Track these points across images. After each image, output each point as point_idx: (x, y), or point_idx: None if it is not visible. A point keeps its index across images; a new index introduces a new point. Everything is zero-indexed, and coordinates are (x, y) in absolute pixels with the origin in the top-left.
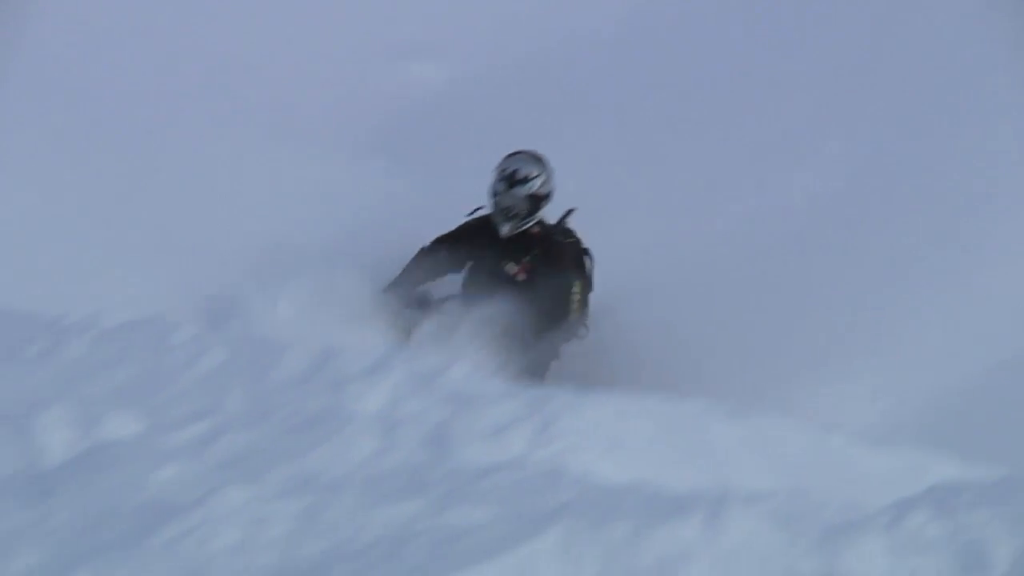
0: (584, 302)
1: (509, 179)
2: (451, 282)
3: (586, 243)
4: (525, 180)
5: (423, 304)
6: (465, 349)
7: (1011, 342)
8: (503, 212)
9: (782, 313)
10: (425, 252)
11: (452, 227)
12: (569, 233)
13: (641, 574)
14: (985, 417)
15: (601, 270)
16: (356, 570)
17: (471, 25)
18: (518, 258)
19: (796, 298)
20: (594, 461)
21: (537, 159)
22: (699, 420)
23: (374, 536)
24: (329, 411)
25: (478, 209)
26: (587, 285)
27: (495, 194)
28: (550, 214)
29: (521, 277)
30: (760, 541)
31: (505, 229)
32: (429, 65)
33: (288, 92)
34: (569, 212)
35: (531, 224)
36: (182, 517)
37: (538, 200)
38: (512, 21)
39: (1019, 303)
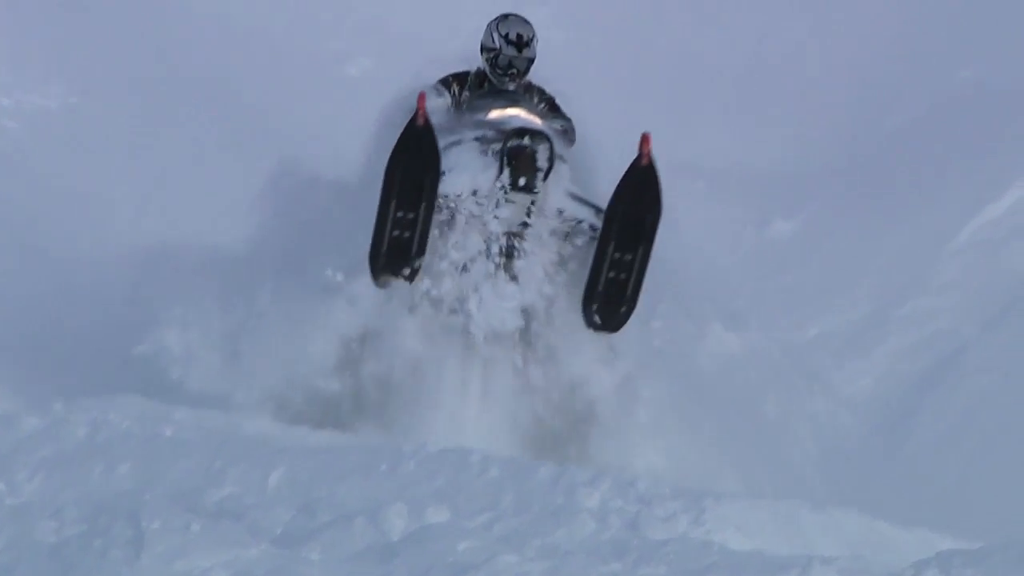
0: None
1: (518, 43)
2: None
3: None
4: (530, 42)
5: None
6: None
7: None
8: (506, 70)
9: None
10: (434, 90)
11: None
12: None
13: None
14: None
15: None
16: None
17: None
18: (523, 102)
19: None
20: (729, 536)
21: (528, 21)
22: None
23: None
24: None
25: (459, 73)
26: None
27: (504, 56)
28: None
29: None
30: None
31: (510, 87)
32: None
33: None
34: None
35: (525, 79)
36: (473, 571)
37: (534, 59)
38: None
39: None
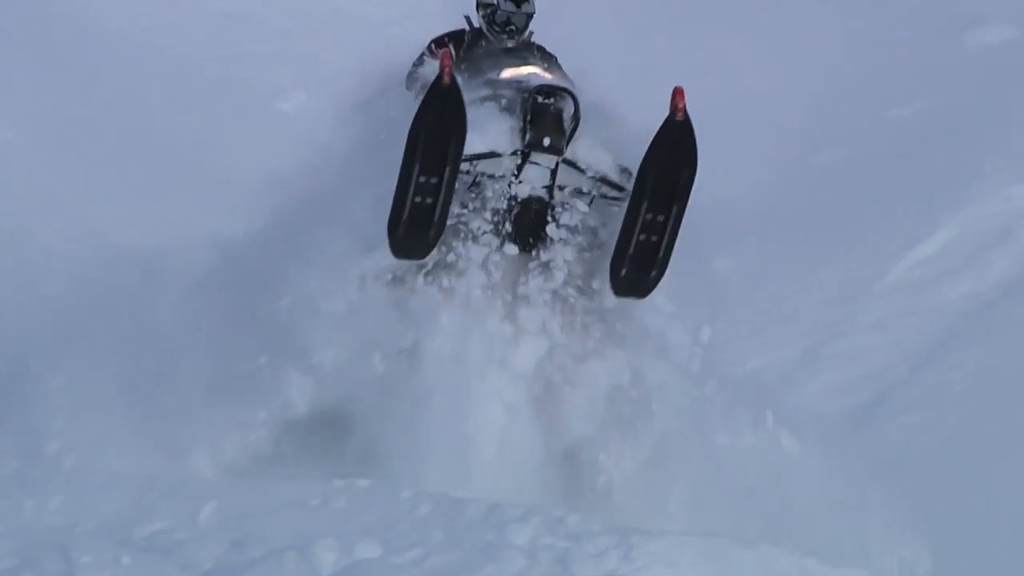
0: None
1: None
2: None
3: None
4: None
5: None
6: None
7: None
8: (504, 27)
9: None
10: (431, 52)
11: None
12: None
13: None
14: None
15: None
16: None
17: None
18: (533, 60)
19: None
20: (659, 572)
21: None
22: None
23: None
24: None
25: (453, 32)
26: None
27: (503, 12)
28: None
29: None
30: None
31: (511, 44)
32: None
33: None
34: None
35: (524, 37)
36: None
37: (533, 14)
38: None
39: None
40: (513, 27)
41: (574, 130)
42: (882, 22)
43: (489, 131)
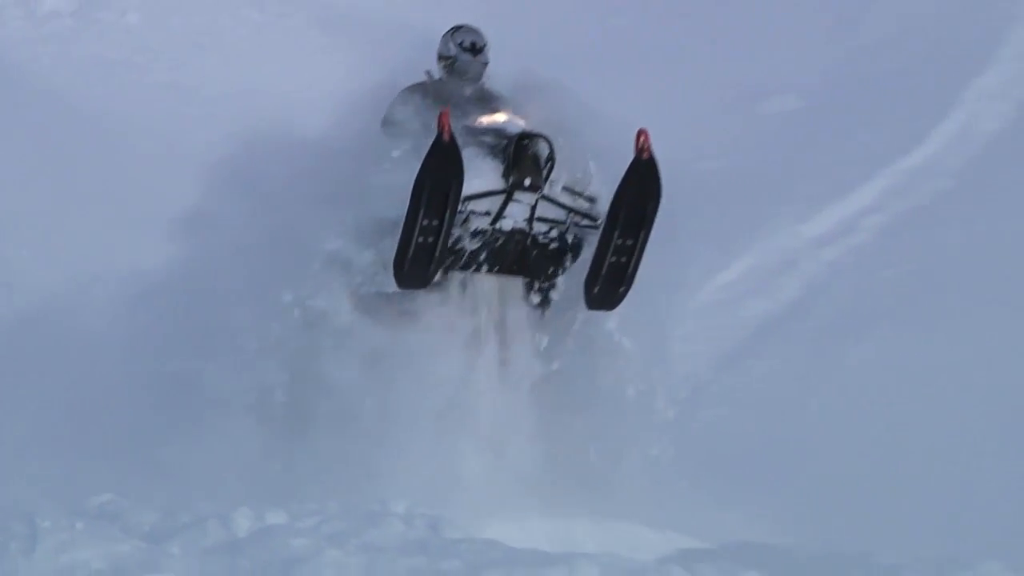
0: None
1: (473, 50)
2: None
3: None
4: (483, 49)
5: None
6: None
7: None
8: (463, 76)
9: None
10: (402, 100)
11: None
12: None
13: None
14: None
15: None
16: None
17: None
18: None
19: None
20: (511, 536)
21: (479, 30)
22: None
23: None
24: (379, 511)
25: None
26: None
27: (462, 63)
28: None
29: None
30: None
31: (468, 91)
32: None
33: None
34: None
35: (480, 83)
36: (304, 564)
37: (488, 64)
38: None
39: None
40: (470, 75)
41: (550, 170)
42: (687, 93)
43: (477, 173)
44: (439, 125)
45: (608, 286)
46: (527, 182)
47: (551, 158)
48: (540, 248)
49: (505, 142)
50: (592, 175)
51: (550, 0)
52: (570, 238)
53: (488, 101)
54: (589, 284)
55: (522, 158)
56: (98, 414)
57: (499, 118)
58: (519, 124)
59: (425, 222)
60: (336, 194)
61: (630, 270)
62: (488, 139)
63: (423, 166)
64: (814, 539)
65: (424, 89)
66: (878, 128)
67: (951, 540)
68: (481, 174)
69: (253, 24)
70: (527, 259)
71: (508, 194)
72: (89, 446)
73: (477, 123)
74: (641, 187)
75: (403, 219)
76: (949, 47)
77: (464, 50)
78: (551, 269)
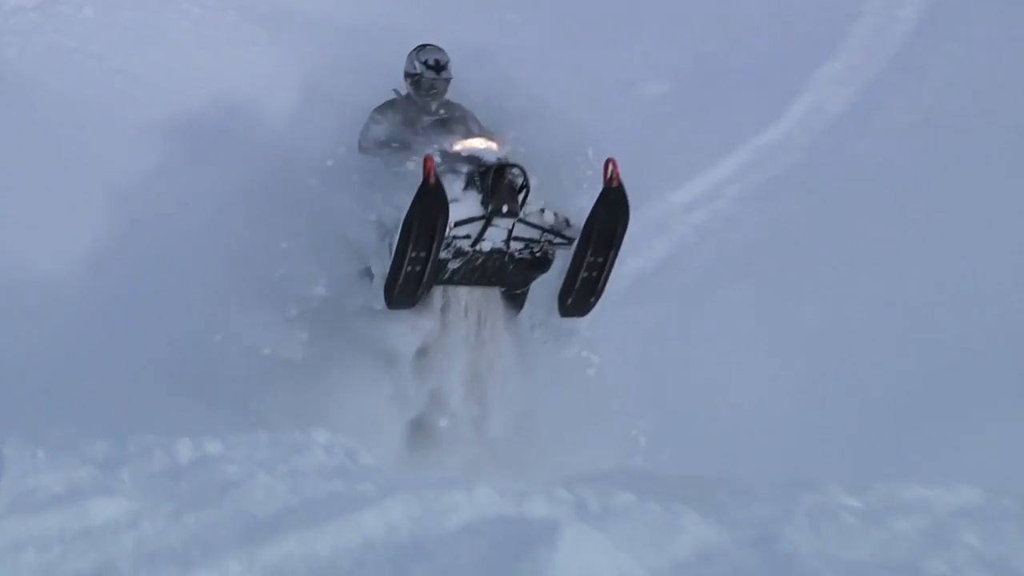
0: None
1: (436, 67)
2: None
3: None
4: (447, 66)
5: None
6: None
7: None
8: (428, 91)
9: None
10: (375, 120)
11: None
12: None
13: None
14: None
15: None
16: None
17: None
18: (449, 123)
19: None
20: None
21: (442, 48)
22: None
23: None
24: (304, 441)
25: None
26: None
27: (427, 79)
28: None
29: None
30: None
31: (433, 106)
32: None
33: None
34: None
35: (444, 97)
36: (239, 487)
37: (451, 80)
38: None
39: None
40: (435, 91)
41: (526, 196)
42: (572, 79)
43: (457, 200)
44: (424, 170)
45: (580, 297)
46: (505, 209)
47: (525, 185)
48: (516, 263)
49: (483, 170)
50: (562, 196)
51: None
52: (542, 253)
53: (461, 124)
54: (563, 295)
55: (499, 188)
56: (57, 357)
57: (475, 144)
58: (494, 150)
59: (413, 254)
60: (262, 161)
61: (601, 283)
62: (466, 168)
63: (412, 208)
64: (680, 464)
65: (394, 106)
66: (739, 109)
67: (798, 464)
68: (461, 201)
69: (193, 17)
70: (503, 272)
71: (487, 220)
72: (48, 383)
73: (454, 149)
74: (611, 211)
75: (393, 250)
76: (801, 38)
77: (428, 68)
78: (525, 279)
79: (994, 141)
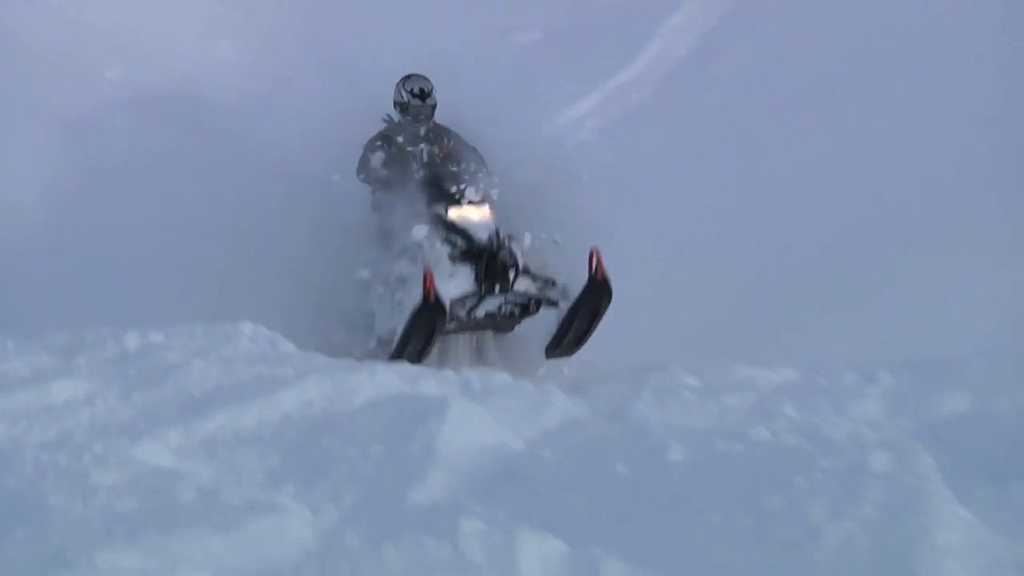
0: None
1: (422, 95)
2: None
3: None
4: (431, 93)
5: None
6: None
7: None
8: (416, 117)
9: None
10: (371, 149)
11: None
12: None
13: None
14: None
15: None
16: None
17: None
18: (436, 143)
19: None
20: None
21: (426, 77)
22: None
23: None
24: (232, 332)
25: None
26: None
27: (414, 107)
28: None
29: (442, 155)
30: None
31: (421, 131)
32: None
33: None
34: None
35: (431, 122)
36: (177, 370)
37: (435, 106)
38: None
39: None
40: (423, 116)
41: (516, 273)
42: (456, 28)
43: (453, 274)
44: (424, 288)
45: (567, 349)
46: (497, 288)
47: (515, 264)
48: (506, 316)
49: (476, 250)
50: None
51: None
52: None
53: (442, 138)
54: (552, 347)
55: (493, 269)
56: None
57: (469, 215)
58: (486, 222)
59: (412, 347)
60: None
61: (585, 340)
62: (460, 242)
63: (412, 320)
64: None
65: (386, 137)
66: (598, 54)
67: (649, 350)
68: (457, 275)
69: None
70: (495, 323)
71: (481, 296)
72: (10, 282)
73: (449, 217)
74: (597, 297)
75: (396, 340)
76: None
77: (414, 96)
78: (515, 324)
79: (813, 85)
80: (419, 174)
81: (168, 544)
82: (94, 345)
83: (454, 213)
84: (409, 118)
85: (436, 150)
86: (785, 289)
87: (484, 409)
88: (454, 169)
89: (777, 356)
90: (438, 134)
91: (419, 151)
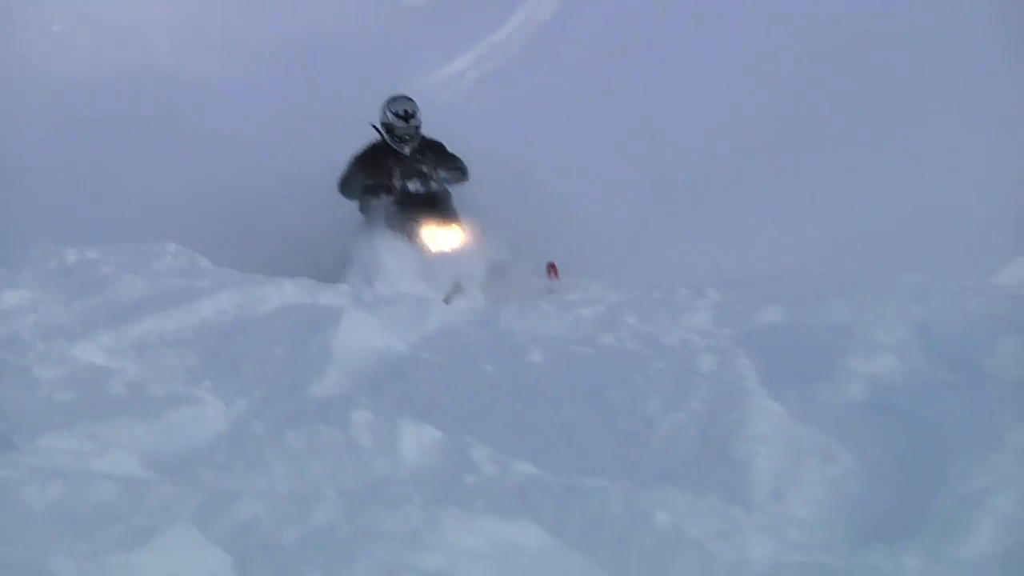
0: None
1: (406, 116)
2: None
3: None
4: (415, 115)
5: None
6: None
7: None
8: (401, 137)
9: None
10: (356, 166)
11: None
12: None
13: None
14: None
15: None
16: None
17: None
18: (420, 163)
19: None
20: None
21: (411, 98)
22: None
23: None
24: (187, 286)
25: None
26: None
27: (399, 129)
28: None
29: (424, 174)
30: None
31: (406, 150)
32: None
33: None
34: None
35: (417, 140)
36: (141, 308)
37: (420, 126)
38: None
39: None
40: (408, 136)
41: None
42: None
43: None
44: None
45: None
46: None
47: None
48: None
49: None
50: None
51: None
52: None
53: (427, 156)
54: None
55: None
56: None
57: (441, 243)
58: (459, 264)
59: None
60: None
61: None
62: (447, 287)
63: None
64: None
65: (373, 154)
66: (474, 15)
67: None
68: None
69: None
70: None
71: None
72: None
73: (435, 255)
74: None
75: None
76: None
77: (399, 117)
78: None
79: (662, 36)
80: (400, 194)
81: (100, 430)
82: (38, 260)
83: (426, 234)
84: (395, 139)
85: (422, 168)
86: (635, 216)
87: (373, 317)
88: (433, 187)
89: (621, 274)
90: (424, 150)
91: (405, 171)
